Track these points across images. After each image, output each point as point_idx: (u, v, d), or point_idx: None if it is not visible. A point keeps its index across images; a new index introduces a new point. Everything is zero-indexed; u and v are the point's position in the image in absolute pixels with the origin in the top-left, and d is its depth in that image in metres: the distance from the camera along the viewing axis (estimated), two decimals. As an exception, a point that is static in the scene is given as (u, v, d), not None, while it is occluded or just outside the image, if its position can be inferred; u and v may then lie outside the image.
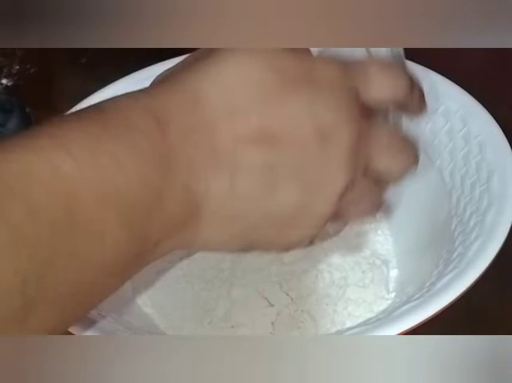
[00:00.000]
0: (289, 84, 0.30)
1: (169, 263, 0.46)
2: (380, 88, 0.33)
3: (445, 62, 0.47)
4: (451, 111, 0.46)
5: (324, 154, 0.30)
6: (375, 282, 0.44)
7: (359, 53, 0.36)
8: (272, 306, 0.43)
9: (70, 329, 0.36)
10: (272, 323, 0.42)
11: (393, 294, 0.43)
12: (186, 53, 0.52)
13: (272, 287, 0.43)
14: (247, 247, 0.33)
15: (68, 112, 0.49)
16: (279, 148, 0.30)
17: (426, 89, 0.47)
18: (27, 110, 0.61)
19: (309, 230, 0.32)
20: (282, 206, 0.30)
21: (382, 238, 0.47)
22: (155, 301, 0.45)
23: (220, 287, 0.44)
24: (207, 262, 0.45)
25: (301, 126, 0.30)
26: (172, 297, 0.45)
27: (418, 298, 0.37)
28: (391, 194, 0.37)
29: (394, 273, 0.45)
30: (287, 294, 0.43)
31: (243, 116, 0.30)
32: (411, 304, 0.36)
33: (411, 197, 0.47)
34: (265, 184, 0.30)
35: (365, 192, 0.33)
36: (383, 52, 0.37)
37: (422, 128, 0.47)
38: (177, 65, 0.34)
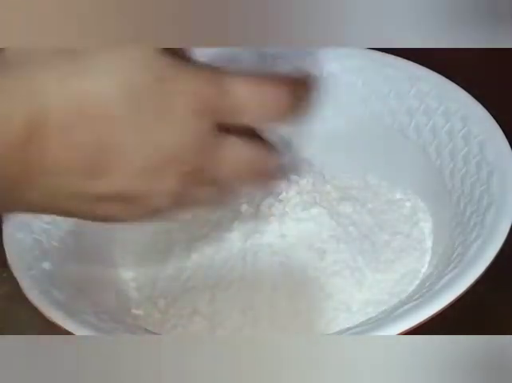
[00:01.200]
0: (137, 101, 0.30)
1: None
2: (252, 114, 0.33)
3: (445, 62, 0.47)
4: (451, 111, 0.46)
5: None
6: None
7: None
8: None
9: (70, 329, 0.36)
10: None
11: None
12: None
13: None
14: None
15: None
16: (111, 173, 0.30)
17: (426, 89, 0.47)
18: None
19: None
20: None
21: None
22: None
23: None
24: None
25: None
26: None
27: (418, 298, 0.37)
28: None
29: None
30: None
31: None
32: (411, 304, 0.36)
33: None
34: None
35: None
36: None
37: (422, 127, 0.47)
38: None
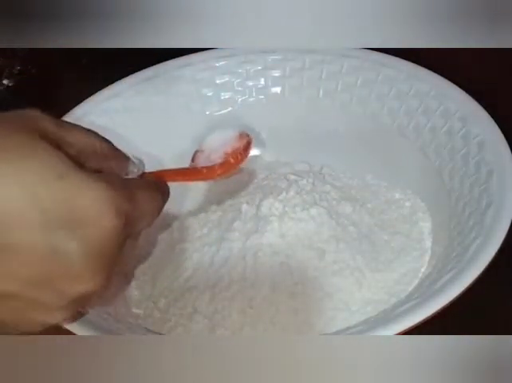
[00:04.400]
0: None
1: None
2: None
3: (445, 62, 0.47)
4: (451, 111, 0.46)
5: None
6: None
7: None
8: None
9: (70, 329, 0.37)
10: None
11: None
12: (186, 53, 0.52)
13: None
14: None
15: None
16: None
17: (426, 89, 0.47)
18: (28, 111, 0.61)
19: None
20: None
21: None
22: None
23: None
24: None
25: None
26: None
27: (417, 298, 0.37)
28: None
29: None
30: None
31: None
32: (410, 303, 0.36)
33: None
34: None
35: None
36: None
37: (422, 128, 0.47)
38: None
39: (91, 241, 0.29)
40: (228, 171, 0.44)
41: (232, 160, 0.44)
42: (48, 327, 0.33)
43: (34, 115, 0.32)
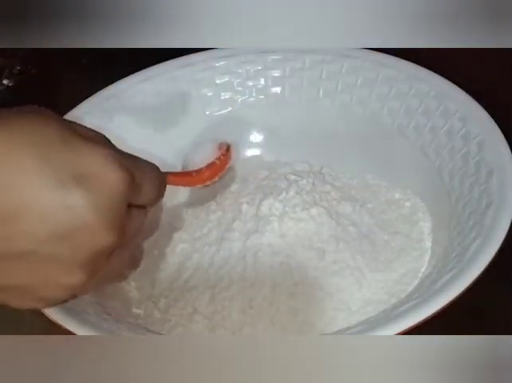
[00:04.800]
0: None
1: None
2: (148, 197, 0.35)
3: (445, 62, 0.47)
4: (451, 111, 0.46)
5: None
6: None
7: None
8: None
9: (70, 329, 0.37)
10: None
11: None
12: (186, 53, 0.52)
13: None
14: None
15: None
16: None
17: (426, 89, 0.47)
18: (28, 111, 0.61)
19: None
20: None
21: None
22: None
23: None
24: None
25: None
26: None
27: (417, 298, 0.37)
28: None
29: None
30: None
31: None
32: (410, 303, 0.36)
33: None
34: None
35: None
36: None
37: (422, 128, 0.47)
38: None
39: (99, 193, 0.31)
40: (215, 173, 0.49)
41: (218, 162, 0.49)
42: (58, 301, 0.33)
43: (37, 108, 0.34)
